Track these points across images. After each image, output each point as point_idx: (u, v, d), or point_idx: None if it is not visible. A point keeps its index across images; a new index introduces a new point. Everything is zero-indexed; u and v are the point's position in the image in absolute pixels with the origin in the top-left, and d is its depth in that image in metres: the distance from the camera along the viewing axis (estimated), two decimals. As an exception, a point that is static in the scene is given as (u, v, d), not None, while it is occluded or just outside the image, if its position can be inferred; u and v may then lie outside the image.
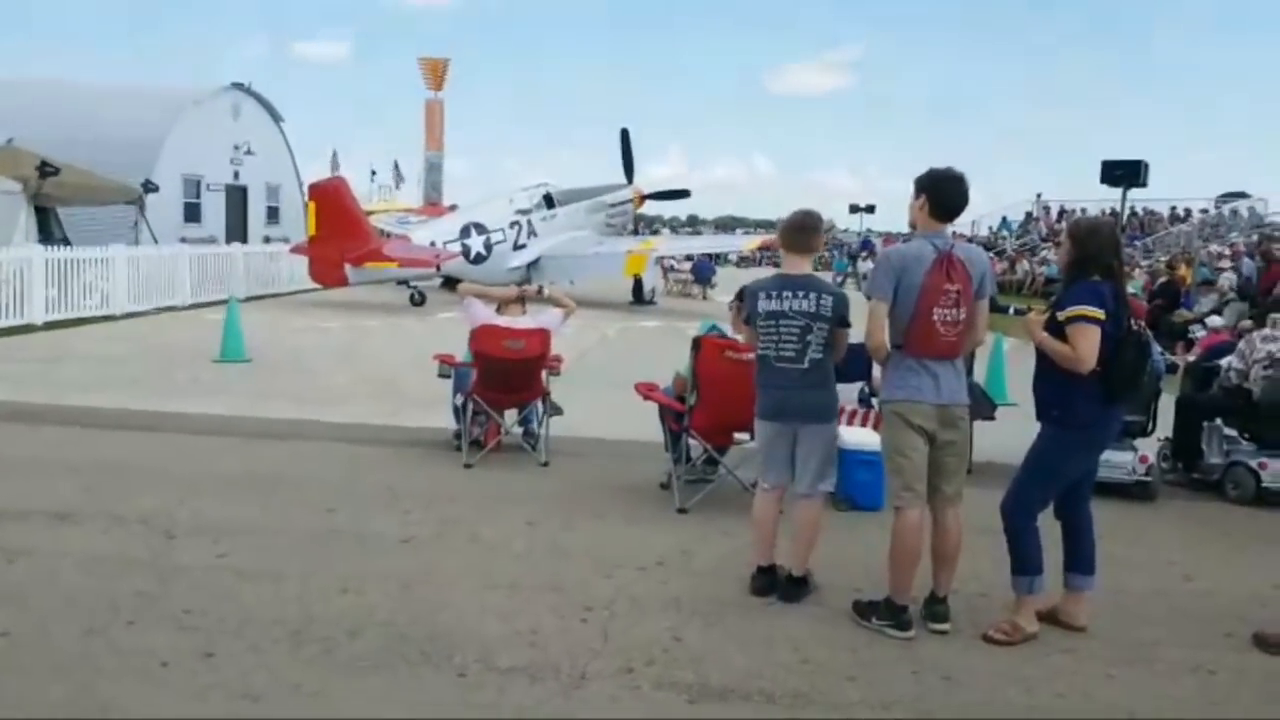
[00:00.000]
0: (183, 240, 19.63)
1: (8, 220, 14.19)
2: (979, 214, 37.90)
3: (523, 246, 19.95)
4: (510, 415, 7.05)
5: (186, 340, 12.42)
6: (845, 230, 42.40)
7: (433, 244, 18.82)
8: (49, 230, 15.69)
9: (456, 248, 19.00)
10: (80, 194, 16.45)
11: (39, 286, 13.35)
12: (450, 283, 18.96)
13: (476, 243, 19.35)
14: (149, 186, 18.79)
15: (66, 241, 15.31)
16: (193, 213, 24.16)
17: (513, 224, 20.00)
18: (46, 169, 14.66)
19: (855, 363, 5.04)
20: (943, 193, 4.06)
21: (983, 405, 6.13)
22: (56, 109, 21.54)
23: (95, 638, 3.78)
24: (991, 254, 28.74)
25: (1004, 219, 38.00)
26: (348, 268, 16.98)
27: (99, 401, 8.37)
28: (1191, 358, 9.86)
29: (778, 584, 4.42)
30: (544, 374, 6.84)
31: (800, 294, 4.31)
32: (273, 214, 27.73)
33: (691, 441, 5.89)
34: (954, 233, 4.32)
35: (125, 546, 4.85)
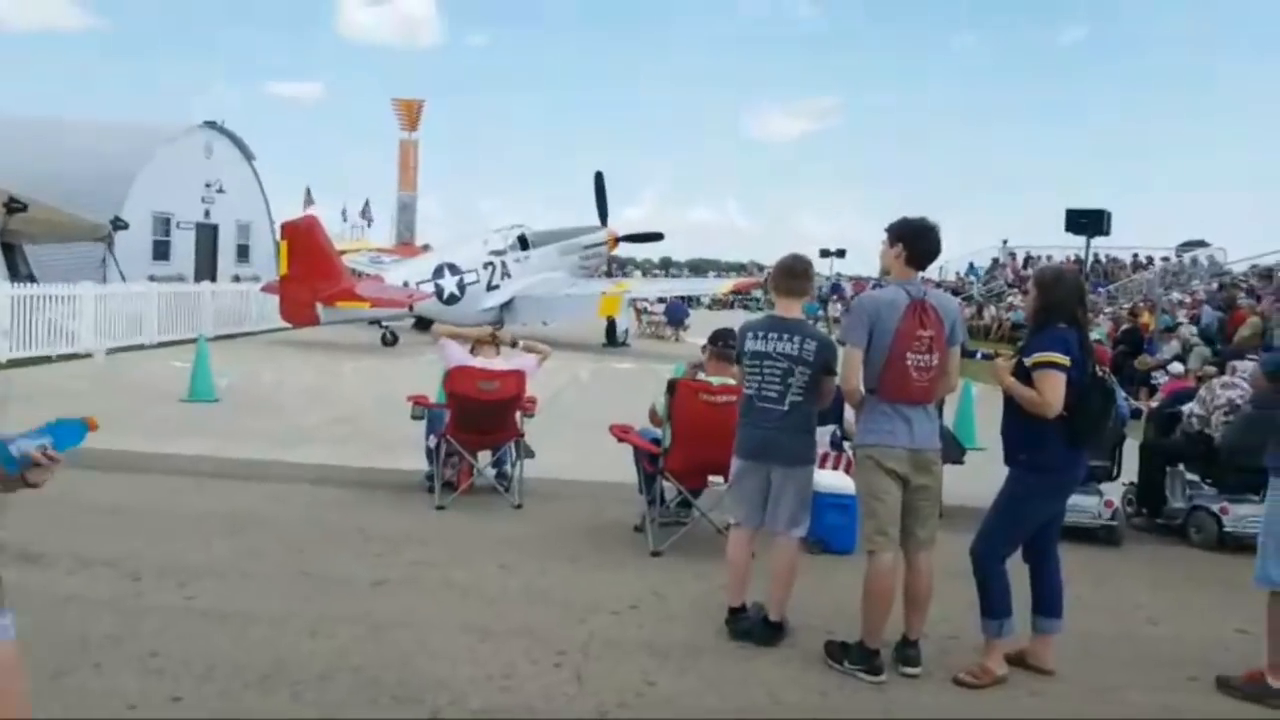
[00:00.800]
0: (151, 278, 19.46)
1: (-28, 257, 14.03)
2: (946, 259, 38.45)
3: (496, 287, 20.00)
4: (484, 457, 7.03)
5: (154, 379, 12.28)
6: (816, 274, 43.02)
7: (406, 284, 18.83)
8: (15, 267, 15.51)
9: (429, 288, 19.03)
10: (48, 231, 16.30)
11: (4, 326, 13.15)
12: (422, 323, 18.94)
13: (450, 283, 19.37)
14: (118, 224, 18.65)
15: (33, 278, 15.14)
16: (162, 250, 23.97)
17: (486, 265, 20.07)
18: (14, 205, 14.54)
19: (829, 407, 5.11)
20: (920, 243, 4.18)
21: (952, 449, 6.21)
22: (25, 144, 21.36)
23: (63, 680, 3.71)
24: (959, 299, 29.23)
25: (971, 264, 38.68)
26: (319, 307, 16.93)
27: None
28: (1154, 404, 10.06)
29: (751, 625, 4.43)
30: (518, 415, 6.84)
31: (786, 336, 4.38)
32: (243, 252, 27.58)
33: (665, 484, 5.92)
34: (923, 279, 4.43)
35: (92, 588, 4.78)
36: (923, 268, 4.29)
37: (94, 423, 2.07)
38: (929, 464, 4.12)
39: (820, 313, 32.22)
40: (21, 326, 13.53)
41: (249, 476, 7.30)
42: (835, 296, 36.92)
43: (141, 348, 15.80)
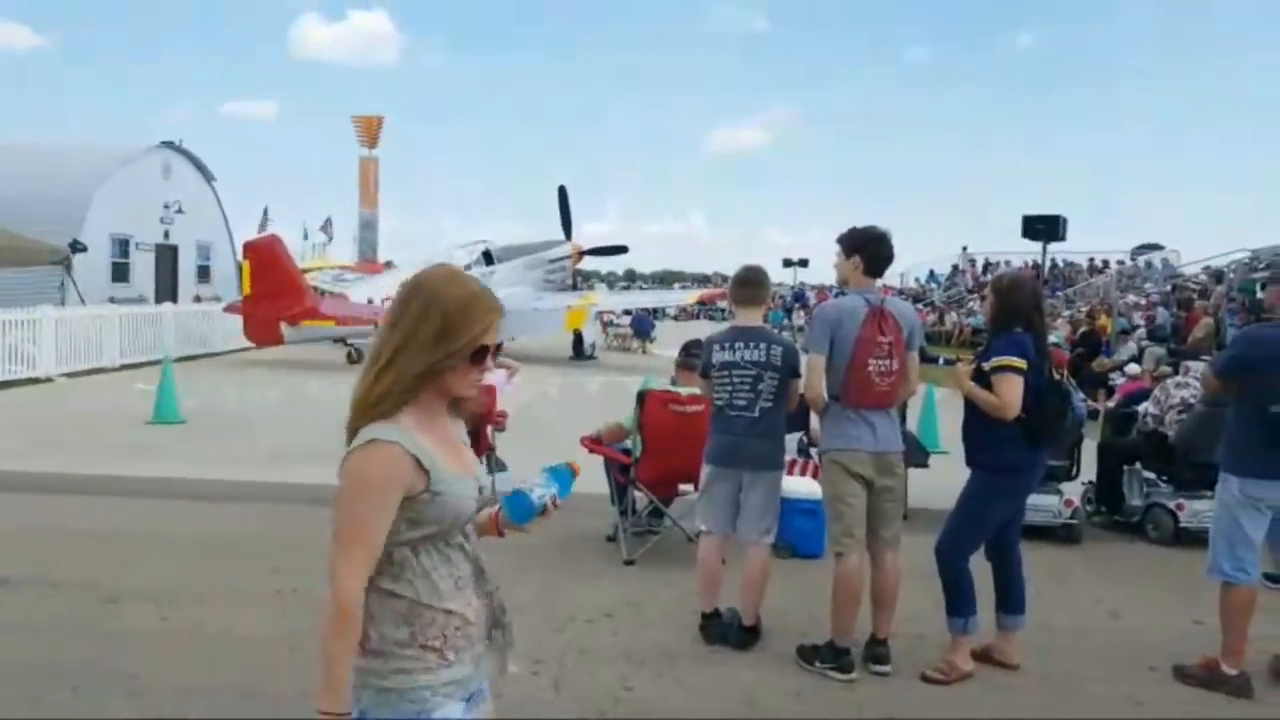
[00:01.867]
0: (111, 300, 19.25)
1: (-74, 281, 13.82)
2: (906, 266, 39.12)
3: None
4: None
5: (118, 403, 12.15)
6: (780, 284, 43.30)
7: (370, 301, 18.76)
8: (-29, 292, 15.29)
9: (394, 305, 18.97)
10: (4, 255, 16.08)
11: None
12: (388, 339, 18.87)
13: (415, 298, 19.34)
14: (76, 246, 18.40)
15: (-10, 303, 14.91)
16: (121, 272, 23.73)
17: None
18: (-31, 229, 14.35)
19: (794, 413, 5.23)
20: (874, 252, 4.31)
21: (916, 453, 6.37)
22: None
23: (43, 705, 3.72)
24: (920, 305, 29.63)
25: (931, 271, 39.23)
26: (284, 326, 16.83)
27: (30, 466, 8.16)
28: (1111, 404, 10.31)
29: (725, 629, 4.52)
30: (489, 430, 6.90)
31: (751, 344, 4.49)
32: (204, 273, 27.35)
33: (637, 494, 6.00)
34: (883, 286, 4.58)
35: (66, 612, 4.77)
36: (879, 275, 4.41)
37: (578, 468, 2.10)
38: (893, 466, 4.25)
39: (785, 321, 32.58)
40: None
41: (219, 497, 7.29)
42: (799, 305, 37.30)
43: (103, 371, 15.61)
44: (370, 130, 36.42)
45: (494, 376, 7.01)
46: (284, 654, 4.25)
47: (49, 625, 4.59)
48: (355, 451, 1.81)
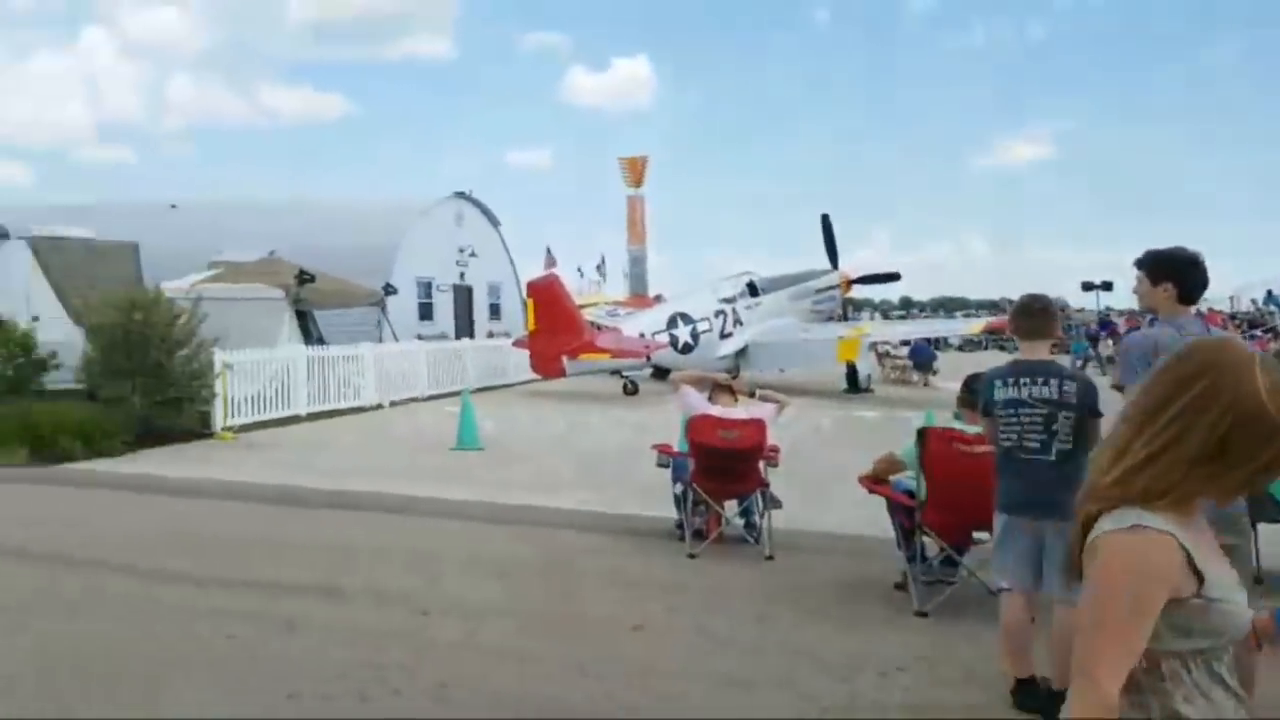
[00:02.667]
0: (419, 337, 21.31)
1: (274, 323, 15.89)
2: (1237, 287, 34.91)
3: (729, 335, 20.23)
4: (731, 506, 7.10)
5: (427, 430, 13.37)
6: (1080, 310, 39.59)
7: (641, 335, 19.47)
8: (308, 331, 17.45)
9: (664, 338, 19.57)
10: (332, 298, 18.23)
11: (302, 382, 14.84)
12: (660, 372, 19.47)
13: (683, 332, 19.84)
14: (389, 289, 20.56)
15: (322, 341, 16.98)
16: (426, 311, 26.24)
17: (718, 313, 20.38)
18: (304, 277, 16.38)
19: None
20: (1190, 279, 3.93)
21: (1269, 508, 5.55)
22: (307, 223, 24.16)
23: (371, 704, 4.14)
24: (1259, 332, 26.20)
25: (1269, 293, 34.39)
26: (564, 359, 17.85)
27: (355, 485, 9.17)
28: None
29: (1042, 698, 4.07)
30: (762, 465, 6.88)
31: (1040, 380, 4.17)
32: (495, 310, 29.67)
33: (925, 539, 5.68)
34: (1209, 310, 4.12)
35: (386, 621, 5.27)
36: (1194, 302, 4.01)
37: None
38: (1234, 520, 3.77)
39: (1090, 352, 29.86)
40: (317, 383, 15.19)
41: (514, 521, 7.80)
42: (1105, 334, 34.05)
43: (414, 400, 17.27)
44: (635, 170, 38.06)
45: (762, 410, 7.01)
46: (575, 677, 4.46)
47: (370, 633, 5.08)
48: (1117, 536, 1.59)
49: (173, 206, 27.72)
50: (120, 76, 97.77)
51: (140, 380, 11.79)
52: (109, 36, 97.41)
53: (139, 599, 5.68)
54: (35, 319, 13.66)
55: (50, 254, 14.55)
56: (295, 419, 14.24)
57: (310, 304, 17.38)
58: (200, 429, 12.46)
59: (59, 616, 5.37)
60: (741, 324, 20.49)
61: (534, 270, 30.49)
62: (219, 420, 12.72)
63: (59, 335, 13.29)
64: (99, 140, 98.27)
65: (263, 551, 6.82)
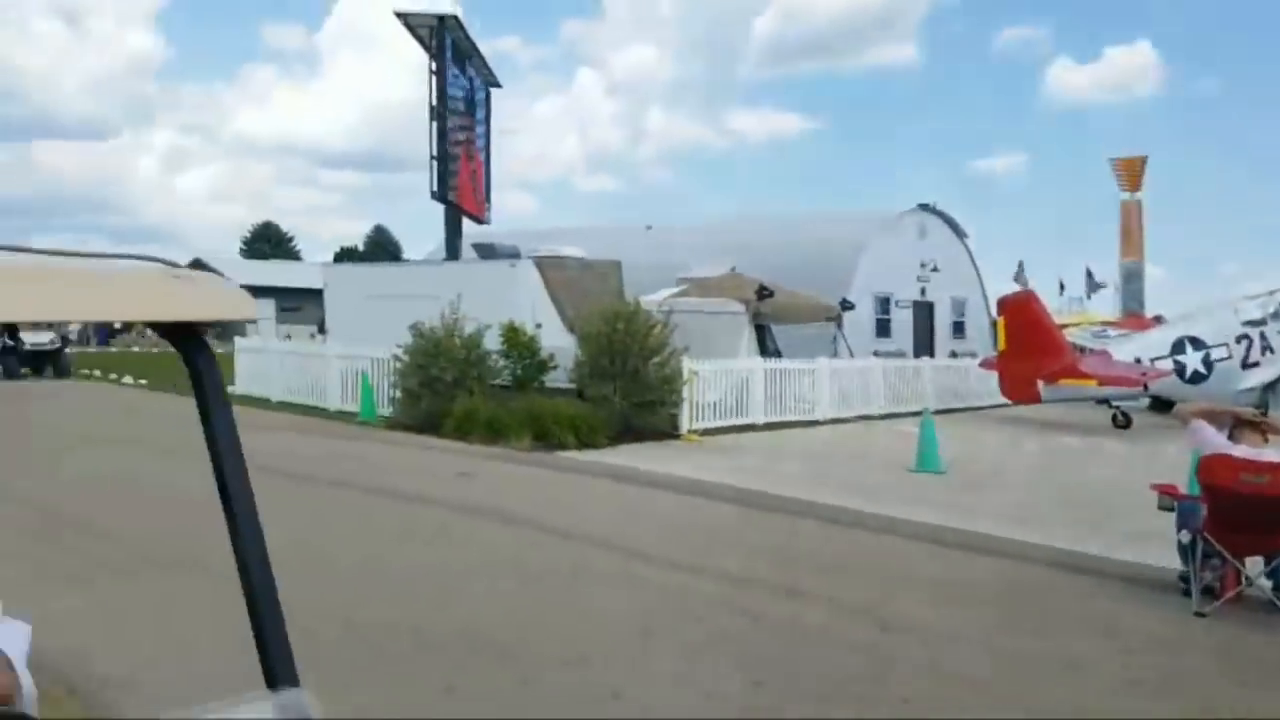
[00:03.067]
0: (875, 354, 20.86)
1: (734, 336, 16.49)
2: None
3: (1255, 364, 16.89)
4: (1254, 563, 5.90)
5: (882, 448, 13.04)
6: None
7: (1137, 360, 17.00)
8: (765, 345, 17.86)
9: (1167, 365, 16.85)
10: (788, 313, 18.52)
11: (759, 393, 15.21)
12: (1160, 404, 16.96)
13: (1193, 359, 16.92)
14: (846, 305, 20.40)
15: (779, 355, 17.25)
16: (883, 328, 25.74)
17: (1240, 338, 17.06)
18: (763, 292, 16.79)
19: None
20: None
21: None
22: (768, 240, 24.87)
23: (830, 706, 4.08)
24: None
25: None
26: (1040, 384, 16.20)
27: (811, 495, 9.12)
28: None
29: None
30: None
31: None
32: (959, 328, 28.21)
33: None
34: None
35: (845, 630, 5.15)
36: None
37: None
38: None
39: None
40: (772, 395, 15.47)
41: (980, 549, 7.24)
42: None
43: (868, 418, 16.88)
44: (1132, 172, 33.82)
45: (1273, 453, 5.82)
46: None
47: (832, 638, 5.00)
48: None
49: (648, 228, 30.33)
50: (605, 112, 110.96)
51: (621, 383, 12.97)
52: (598, 78, 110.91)
53: (617, 575, 6.21)
54: (538, 326, 15.55)
55: (551, 270, 16.54)
56: (751, 427, 14.68)
57: (768, 318, 17.80)
58: (669, 429, 13.36)
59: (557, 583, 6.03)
60: (1273, 351, 16.99)
61: (1003, 286, 28.55)
62: (685, 423, 13.54)
63: (556, 341, 15.04)
64: (587, 170, 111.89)
65: (724, 545, 7.07)
